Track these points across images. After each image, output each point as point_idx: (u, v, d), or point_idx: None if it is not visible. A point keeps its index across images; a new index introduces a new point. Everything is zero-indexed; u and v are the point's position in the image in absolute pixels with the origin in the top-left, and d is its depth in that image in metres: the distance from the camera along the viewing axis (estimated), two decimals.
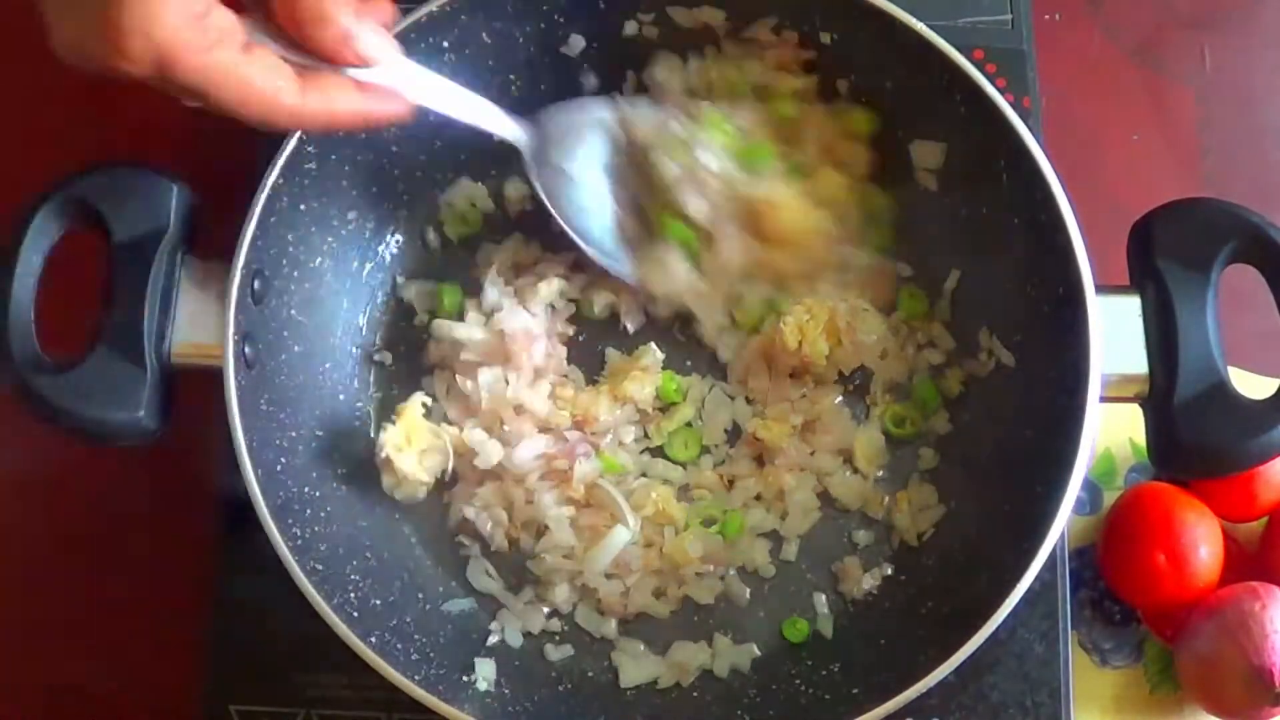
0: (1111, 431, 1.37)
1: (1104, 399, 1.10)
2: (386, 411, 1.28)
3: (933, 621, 1.18)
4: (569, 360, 1.31)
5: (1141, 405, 1.14)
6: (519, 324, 1.27)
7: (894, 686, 1.07)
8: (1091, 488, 1.36)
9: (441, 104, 1.13)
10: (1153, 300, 1.13)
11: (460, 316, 1.30)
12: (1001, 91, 1.17)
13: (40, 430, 1.10)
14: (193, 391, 1.13)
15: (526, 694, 1.19)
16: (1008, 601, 1.07)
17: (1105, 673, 1.32)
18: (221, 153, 1.22)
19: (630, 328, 1.33)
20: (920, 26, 1.18)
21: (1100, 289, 1.12)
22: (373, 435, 1.28)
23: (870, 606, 1.25)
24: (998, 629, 1.07)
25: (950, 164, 1.26)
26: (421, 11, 1.18)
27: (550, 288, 1.30)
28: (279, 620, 1.18)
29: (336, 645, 1.06)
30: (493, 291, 1.30)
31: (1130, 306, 1.14)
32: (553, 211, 1.25)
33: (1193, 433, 1.11)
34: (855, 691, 1.14)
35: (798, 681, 1.20)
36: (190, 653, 1.23)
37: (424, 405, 1.25)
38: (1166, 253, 1.13)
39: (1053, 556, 1.22)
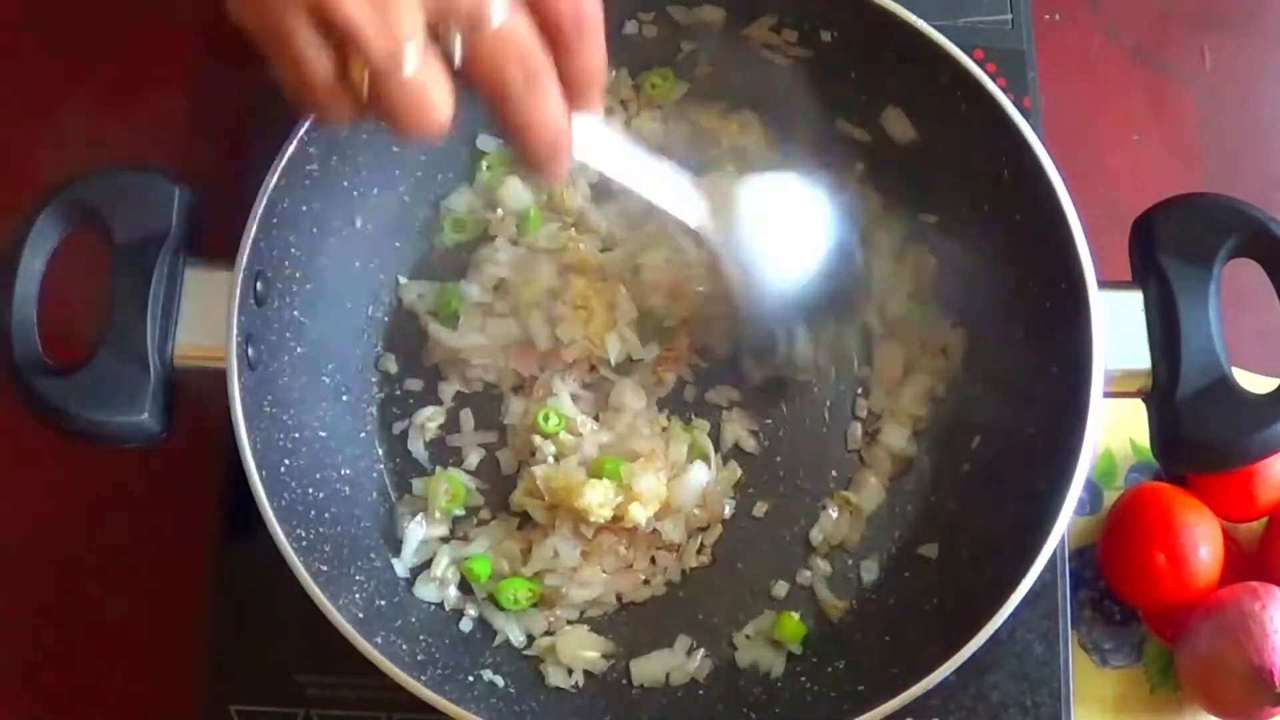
0: (1112, 431, 1.37)
1: (1107, 394, 1.10)
2: (389, 412, 1.29)
3: (938, 618, 1.18)
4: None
5: (1145, 400, 1.14)
6: (511, 335, 1.28)
7: (900, 683, 1.07)
8: (1091, 488, 1.36)
9: (618, 173, 1.08)
10: (1155, 295, 1.13)
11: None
12: (1002, 91, 1.18)
13: (42, 432, 1.10)
14: (196, 393, 1.13)
15: (532, 693, 1.19)
16: (1013, 596, 1.07)
17: (1105, 673, 1.32)
18: (223, 154, 1.22)
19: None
20: (922, 24, 1.18)
21: (1102, 284, 1.12)
22: (374, 436, 1.29)
23: (875, 603, 1.25)
24: (998, 629, 1.07)
25: (949, 161, 1.26)
26: None
27: (536, 293, 1.30)
28: (279, 620, 1.18)
29: (337, 645, 1.06)
30: (473, 290, 1.30)
31: (1132, 302, 1.14)
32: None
33: (1196, 427, 1.11)
34: (861, 688, 1.14)
35: (804, 679, 1.20)
36: (190, 653, 1.23)
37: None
38: (1168, 248, 1.14)
39: (1053, 557, 1.22)
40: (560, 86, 0.90)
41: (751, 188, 1.17)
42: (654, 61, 1.34)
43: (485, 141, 1.34)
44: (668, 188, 1.11)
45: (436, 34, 0.83)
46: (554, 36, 0.87)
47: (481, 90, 0.87)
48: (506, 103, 0.88)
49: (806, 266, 1.20)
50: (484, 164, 1.34)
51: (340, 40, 0.81)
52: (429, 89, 0.83)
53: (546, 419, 1.25)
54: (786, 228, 1.19)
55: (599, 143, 1.03)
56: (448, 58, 0.84)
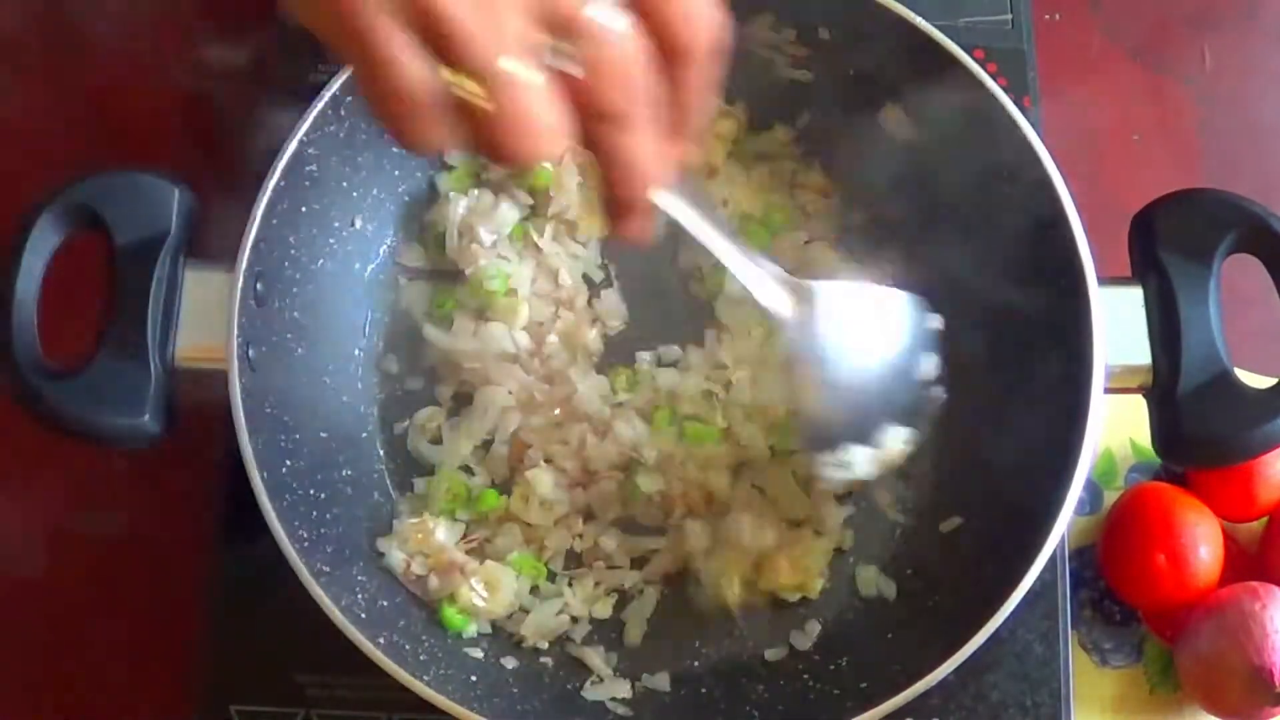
0: (1112, 431, 1.37)
1: (1108, 391, 1.10)
2: (390, 412, 1.30)
3: (940, 616, 1.18)
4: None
5: (1145, 396, 1.14)
6: (504, 344, 1.28)
7: (903, 681, 1.07)
8: (1091, 488, 1.36)
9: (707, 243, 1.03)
10: (1155, 291, 1.13)
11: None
12: (1002, 91, 1.18)
13: (42, 434, 1.10)
14: (196, 395, 1.13)
15: (535, 692, 1.19)
16: (1014, 595, 1.07)
17: (1105, 673, 1.31)
18: (223, 155, 1.22)
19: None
20: (920, 21, 1.18)
21: (1102, 281, 1.12)
22: (376, 436, 1.29)
23: (877, 601, 1.25)
24: (999, 629, 1.07)
25: (949, 158, 1.26)
26: None
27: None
28: (279, 620, 1.18)
29: (338, 645, 1.06)
30: (467, 294, 1.31)
31: (1132, 297, 1.14)
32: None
33: (1197, 423, 1.10)
34: (864, 686, 1.14)
35: (806, 677, 1.20)
36: (190, 653, 1.24)
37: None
38: (1168, 243, 1.13)
39: (1053, 556, 1.22)
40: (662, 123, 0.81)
41: (834, 291, 1.14)
42: None
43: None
44: (752, 270, 1.07)
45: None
46: (667, 57, 0.78)
47: (575, 114, 0.77)
48: (598, 135, 0.79)
49: (876, 377, 1.17)
50: (448, 177, 1.34)
51: (438, 43, 0.72)
52: (537, 107, 0.74)
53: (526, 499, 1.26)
54: (862, 336, 1.15)
55: (685, 203, 0.97)
56: (556, 73, 0.75)
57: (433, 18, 0.71)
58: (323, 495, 1.18)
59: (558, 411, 1.28)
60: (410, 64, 0.73)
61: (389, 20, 0.71)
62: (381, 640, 1.08)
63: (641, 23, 0.76)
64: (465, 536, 1.25)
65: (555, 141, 0.76)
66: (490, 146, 0.76)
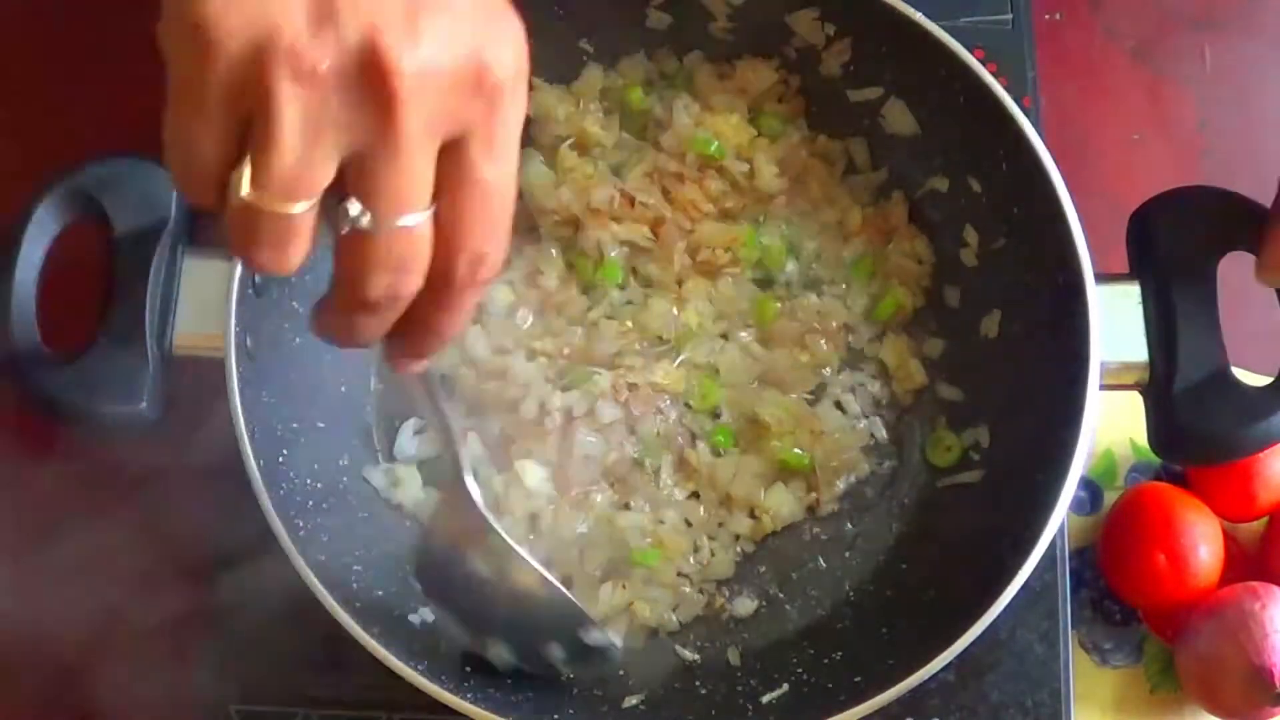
0: (1112, 431, 1.37)
1: (1104, 387, 1.10)
2: (388, 403, 1.30)
3: (935, 610, 1.17)
4: None
5: (1142, 393, 1.14)
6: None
7: (896, 674, 1.06)
8: (1091, 488, 1.36)
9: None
10: (1152, 287, 1.13)
11: None
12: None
13: (39, 425, 1.10)
14: (194, 383, 1.13)
15: (529, 684, 1.18)
16: (1010, 588, 1.06)
17: (1105, 673, 1.31)
18: None
19: None
20: (920, 17, 1.18)
21: (1100, 277, 1.12)
22: (374, 426, 1.30)
23: (872, 595, 1.25)
24: (998, 629, 1.07)
25: (949, 153, 1.27)
26: None
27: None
28: (279, 620, 1.18)
29: (337, 644, 1.06)
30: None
31: (1130, 294, 1.13)
32: None
33: (1193, 419, 1.10)
34: (858, 679, 1.13)
35: (800, 670, 1.20)
36: (190, 652, 1.24)
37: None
38: (1166, 240, 1.13)
39: (1053, 556, 1.23)
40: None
41: None
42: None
43: None
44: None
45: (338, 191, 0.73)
46: (434, 282, 0.79)
47: (338, 264, 0.78)
48: (347, 296, 0.79)
49: None
50: None
51: (252, 139, 0.71)
52: (295, 234, 0.73)
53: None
54: None
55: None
56: (330, 222, 0.75)
57: (264, 113, 0.70)
58: (319, 485, 1.19)
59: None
60: (210, 142, 0.75)
61: (219, 88, 0.72)
62: (376, 630, 1.08)
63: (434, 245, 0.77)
64: None
65: (285, 268, 0.76)
66: (230, 240, 0.75)
